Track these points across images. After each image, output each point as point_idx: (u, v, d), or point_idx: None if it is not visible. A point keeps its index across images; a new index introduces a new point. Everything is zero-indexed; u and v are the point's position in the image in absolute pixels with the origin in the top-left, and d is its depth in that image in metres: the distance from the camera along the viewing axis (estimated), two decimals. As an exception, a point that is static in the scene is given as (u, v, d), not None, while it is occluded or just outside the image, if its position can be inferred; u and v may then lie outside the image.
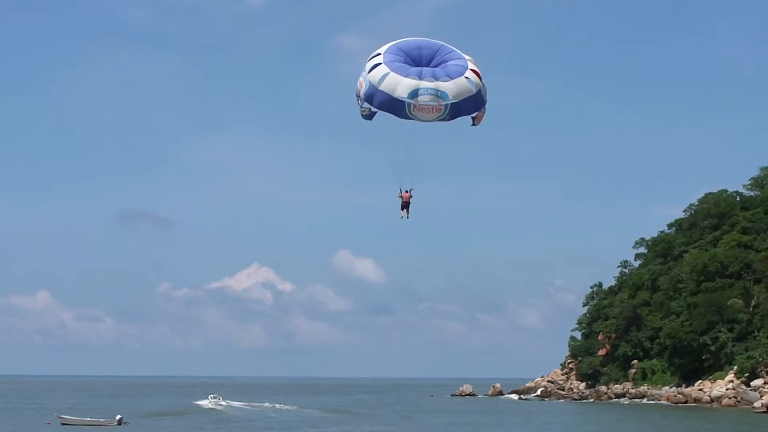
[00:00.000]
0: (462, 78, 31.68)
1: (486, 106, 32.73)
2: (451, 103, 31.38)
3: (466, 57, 32.65)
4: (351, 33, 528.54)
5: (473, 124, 32.74)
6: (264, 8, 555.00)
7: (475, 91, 31.84)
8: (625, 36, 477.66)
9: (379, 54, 32.47)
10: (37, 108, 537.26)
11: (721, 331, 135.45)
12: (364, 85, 32.40)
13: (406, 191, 35.46)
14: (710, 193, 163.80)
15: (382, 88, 31.55)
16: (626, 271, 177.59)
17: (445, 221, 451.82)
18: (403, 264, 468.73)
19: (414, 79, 31.37)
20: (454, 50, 32.92)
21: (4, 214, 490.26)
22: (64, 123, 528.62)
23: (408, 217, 35.61)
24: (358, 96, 32.88)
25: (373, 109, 32.35)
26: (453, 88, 31.35)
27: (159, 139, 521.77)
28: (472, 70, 32.08)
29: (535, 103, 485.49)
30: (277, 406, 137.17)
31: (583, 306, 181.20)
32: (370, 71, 32.10)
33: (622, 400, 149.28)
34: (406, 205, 35.71)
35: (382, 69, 31.79)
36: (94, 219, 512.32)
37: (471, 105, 31.94)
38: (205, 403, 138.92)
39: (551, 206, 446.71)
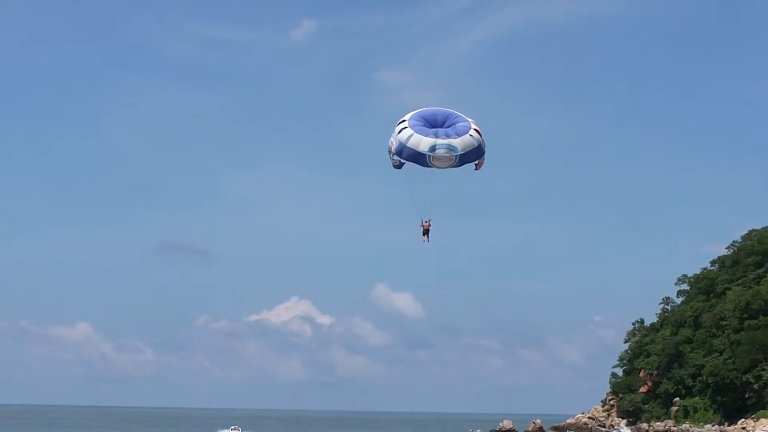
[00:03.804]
0: (467, 135, 42.32)
1: (485, 156, 43.00)
2: (460, 154, 41.93)
3: (470, 120, 43.24)
4: (394, 68, 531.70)
5: (476, 169, 43.01)
6: (306, 44, 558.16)
7: (476, 144, 42.49)
8: (671, 74, 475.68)
9: (405, 120, 43.41)
10: (78, 142, 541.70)
11: (764, 369, 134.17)
12: (394, 143, 43.09)
13: (426, 221, 45.17)
14: (754, 230, 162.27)
15: (409, 144, 42.48)
16: (668, 307, 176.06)
17: (484, 258, 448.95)
18: (440, 299, 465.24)
19: (432, 138, 42.24)
20: (460, 115, 43.56)
21: (45, 246, 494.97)
22: (105, 156, 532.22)
23: (428, 241, 45.29)
24: (389, 151, 43.31)
25: (402, 161, 42.94)
26: (461, 143, 42.00)
27: (199, 172, 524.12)
28: (475, 129, 42.67)
29: (576, 138, 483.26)
30: None
31: (625, 342, 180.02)
32: (398, 133, 42.92)
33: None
34: (426, 232, 45.22)
35: (408, 131, 42.77)
36: (134, 251, 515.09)
37: (474, 155, 42.61)
38: None
39: (593, 242, 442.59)
